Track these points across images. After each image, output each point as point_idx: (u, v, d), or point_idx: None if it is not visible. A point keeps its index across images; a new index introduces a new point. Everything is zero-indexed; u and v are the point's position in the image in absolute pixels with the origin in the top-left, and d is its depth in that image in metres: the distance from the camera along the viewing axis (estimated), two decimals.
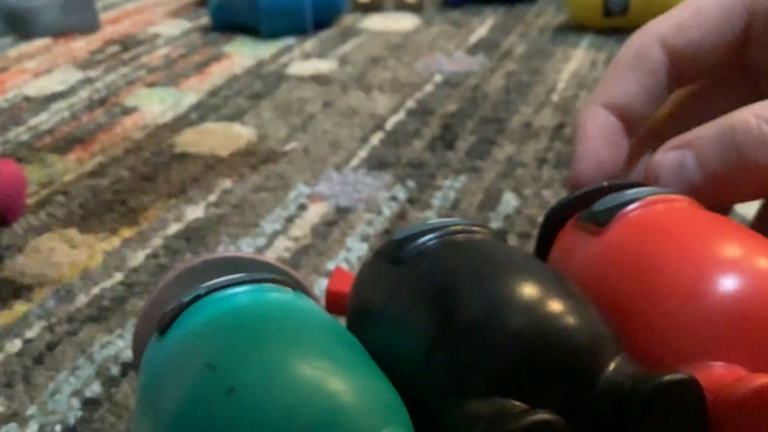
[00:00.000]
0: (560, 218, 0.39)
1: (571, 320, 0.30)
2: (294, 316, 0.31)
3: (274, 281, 0.33)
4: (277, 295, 0.32)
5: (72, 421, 0.39)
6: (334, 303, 0.41)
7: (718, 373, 0.29)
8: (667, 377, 0.27)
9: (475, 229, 0.36)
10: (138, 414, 0.29)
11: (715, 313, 0.30)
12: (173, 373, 0.28)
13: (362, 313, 0.35)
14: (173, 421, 0.26)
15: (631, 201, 0.35)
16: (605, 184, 0.38)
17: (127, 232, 0.57)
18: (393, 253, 0.35)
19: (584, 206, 0.38)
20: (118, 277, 0.51)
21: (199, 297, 0.31)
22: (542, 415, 0.26)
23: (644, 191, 0.36)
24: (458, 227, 0.36)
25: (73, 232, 0.57)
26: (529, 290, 0.30)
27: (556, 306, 0.30)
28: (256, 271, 0.35)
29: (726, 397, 0.27)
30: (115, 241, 0.56)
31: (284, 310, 0.31)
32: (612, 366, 0.29)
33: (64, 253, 0.54)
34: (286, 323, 0.30)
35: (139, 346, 0.35)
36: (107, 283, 0.51)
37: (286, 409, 0.25)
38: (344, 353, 0.29)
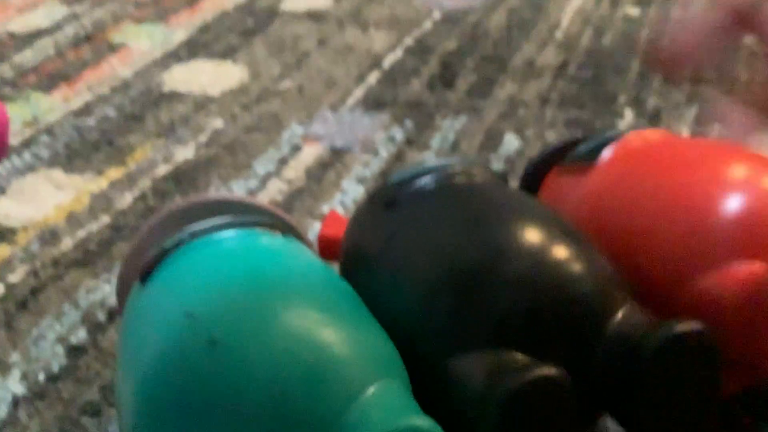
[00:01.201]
0: (541, 169, 0.38)
1: (576, 266, 0.28)
2: (283, 262, 0.29)
3: (263, 225, 0.31)
4: (267, 239, 0.31)
5: (56, 368, 0.38)
6: (327, 248, 0.39)
7: (745, 270, 0.28)
8: (680, 327, 0.26)
9: (474, 171, 0.34)
10: (118, 366, 0.28)
11: (729, 217, 0.29)
12: (152, 323, 0.26)
13: (356, 259, 0.33)
14: (150, 375, 0.24)
15: (614, 137, 0.35)
16: (581, 136, 0.38)
17: (114, 173, 0.55)
18: (388, 197, 0.33)
19: (563, 156, 0.37)
20: (105, 219, 0.50)
21: (181, 242, 0.30)
22: (547, 370, 0.24)
23: (620, 131, 0.36)
24: (457, 169, 0.34)
25: (58, 173, 0.55)
26: (532, 235, 0.29)
27: (561, 252, 0.28)
28: (245, 214, 0.34)
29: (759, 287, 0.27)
30: (102, 183, 0.54)
31: (273, 255, 0.29)
32: (620, 315, 0.28)
33: (49, 195, 0.52)
34: (274, 269, 0.28)
35: (122, 294, 0.34)
36: (94, 226, 0.49)
37: (271, 362, 0.24)
38: (336, 302, 0.27)
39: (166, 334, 0.25)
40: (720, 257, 0.29)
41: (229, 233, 0.30)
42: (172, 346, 0.25)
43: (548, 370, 0.24)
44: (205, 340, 0.24)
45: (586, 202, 0.33)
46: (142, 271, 0.29)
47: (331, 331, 0.25)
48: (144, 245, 0.33)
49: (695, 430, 0.27)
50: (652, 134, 0.35)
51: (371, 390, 0.24)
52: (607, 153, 0.34)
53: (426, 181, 0.33)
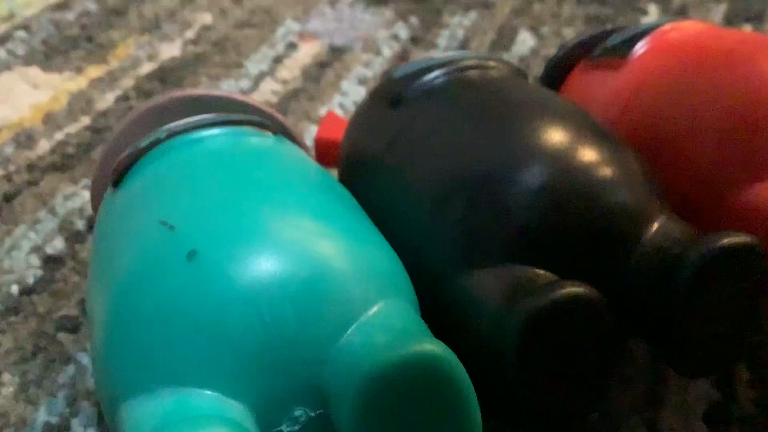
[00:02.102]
0: (564, 66, 0.34)
1: (607, 171, 0.25)
2: (274, 166, 0.25)
3: (252, 124, 0.28)
4: (256, 140, 0.27)
5: (31, 280, 0.35)
6: (324, 152, 0.36)
7: None
8: (726, 239, 0.22)
9: (490, 64, 0.30)
10: (90, 277, 0.25)
11: None
12: (125, 232, 0.23)
13: (357, 163, 0.30)
14: (122, 292, 0.21)
15: (649, 29, 0.31)
16: (608, 27, 0.34)
17: (94, 72, 0.51)
18: (393, 93, 0.30)
19: (588, 52, 0.33)
20: (85, 121, 0.46)
21: (158, 141, 0.26)
22: (574, 288, 0.21)
23: (656, 22, 0.32)
24: (470, 62, 0.30)
25: (35, 72, 0.51)
26: (557, 135, 0.25)
27: (589, 154, 0.25)
28: (231, 111, 0.30)
29: None
30: (82, 82, 0.50)
31: (263, 157, 0.26)
32: (655, 227, 0.24)
33: (25, 95, 0.49)
34: (263, 174, 0.24)
35: (96, 200, 0.30)
36: (72, 128, 0.46)
37: (259, 278, 0.20)
38: (334, 210, 0.24)
39: (139, 246, 0.22)
40: (766, 166, 0.26)
41: (212, 132, 0.26)
42: (146, 260, 0.22)
43: (576, 288, 0.21)
44: (184, 252, 0.21)
45: (617, 102, 0.30)
46: (114, 174, 0.26)
47: (327, 243, 0.22)
48: (118, 146, 0.29)
49: (736, 356, 0.24)
50: (692, 26, 0.31)
51: (374, 310, 0.21)
52: (641, 46, 0.31)
53: (435, 75, 0.29)
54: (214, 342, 0.20)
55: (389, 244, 0.24)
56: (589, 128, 0.26)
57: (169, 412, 0.19)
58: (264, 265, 0.21)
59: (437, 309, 0.23)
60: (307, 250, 0.21)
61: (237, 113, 0.29)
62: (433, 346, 0.19)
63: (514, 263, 0.23)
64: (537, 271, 0.23)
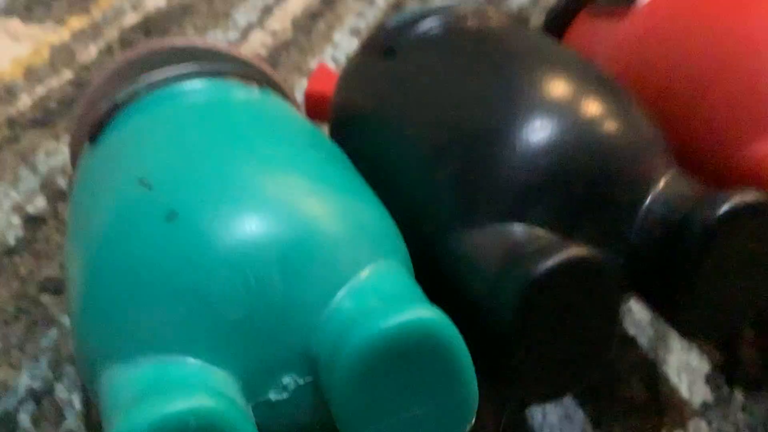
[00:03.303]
0: (567, 14, 0.32)
1: (612, 125, 0.23)
2: (260, 120, 0.24)
3: (237, 75, 0.26)
4: (241, 93, 0.26)
5: (12, 240, 0.34)
6: (315, 107, 0.35)
7: None
8: (738, 197, 0.21)
9: (488, 13, 0.29)
10: (67, 237, 0.24)
11: None
12: (102, 191, 0.22)
13: (348, 118, 0.29)
14: (99, 253, 0.20)
15: None
16: None
17: (77, 23, 0.49)
18: (386, 43, 0.28)
19: (591, 0, 0.32)
20: (67, 74, 0.45)
21: (137, 94, 0.25)
22: (578, 250, 0.20)
23: None
24: (467, 11, 0.28)
25: (15, 23, 0.50)
26: (559, 86, 0.24)
27: (594, 106, 0.24)
28: (215, 62, 0.28)
29: None
30: (64, 34, 0.48)
31: (248, 111, 0.25)
32: (662, 183, 0.23)
33: (4, 48, 0.47)
34: (248, 128, 0.23)
35: (75, 156, 0.29)
36: (54, 82, 0.44)
37: (243, 239, 0.19)
38: (323, 167, 0.22)
39: (117, 206, 0.21)
40: None
41: (194, 84, 0.25)
42: (123, 220, 0.20)
43: (580, 251, 0.20)
44: (163, 212, 0.20)
45: (623, 52, 0.28)
46: (91, 128, 0.25)
47: (315, 201, 0.21)
48: (97, 99, 0.28)
49: (743, 318, 0.23)
50: None
51: (365, 273, 0.20)
52: None
53: (431, 24, 0.28)
54: (196, 307, 0.19)
55: (382, 202, 0.23)
56: (593, 79, 0.25)
57: (150, 381, 0.18)
58: (248, 226, 0.19)
59: (432, 271, 0.22)
60: (294, 209, 0.20)
61: (221, 64, 0.28)
62: (428, 312, 0.18)
63: (514, 222, 0.22)
64: (537, 230, 0.22)
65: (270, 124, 0.24)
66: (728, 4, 0.27)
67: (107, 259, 0.20)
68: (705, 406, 0.27)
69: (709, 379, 0.28)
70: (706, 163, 0.25)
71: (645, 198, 0.23)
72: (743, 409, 0.27)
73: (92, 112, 0.27)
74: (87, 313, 0.20)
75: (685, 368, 0.28)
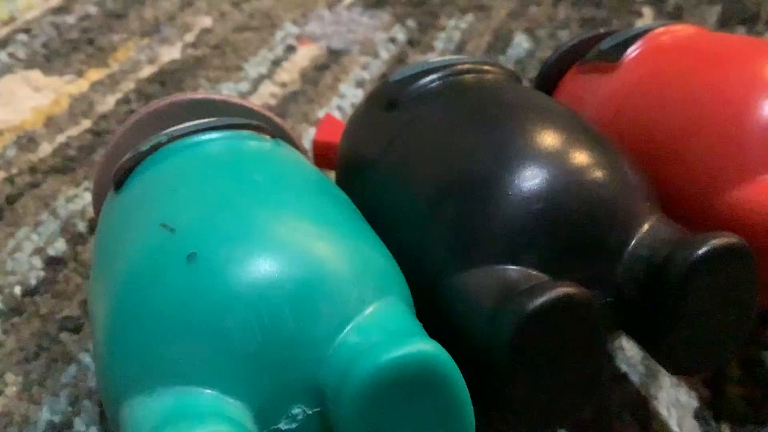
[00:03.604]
0: (558, 69, 0.34)
1: (599, 173, 0.25)
2: (273, 169, 0.26)
3: (251, 128, 0.28)
4: (255, 143, 0.27)
5: (33, 281, 0.36)
6: (322, 155, 0.36)
7: None
8: (715, 240, 0.23)
9: (485, 68, 0.31)
10: (92, 280, 0.25)
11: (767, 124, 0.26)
12: (126, 235, 0.24)
13: (353, 165, 0.31)
14: (123, 293, 0.22)
15: (641, 32, 0.32)
16: (601, 30, 0.34)
17: (95, 75, 0.51)
18: (389, 96, 0.30)
19: (582, 55, 0.34)
20: (86, 123, 0.47)
21: (159, 145, 0.26)
22: (568, 288, 0.22)
23: (648, 25, 0.32)
24: (465, 66, 0.30)
25: (36, 75, 0.51)
26: (550, 138, 0.26)
27: (582, 157, 0.25)
28: (230, 115, 0.30)
29: None
30: (83, 85, 0.50)
31: (261, 161, 0.26)
32: (645, 228, 0.25)
33: (26, 98, 0.49)
34: (262, 177, 0.25)
35: (98, 202, 0.31)
36: (73, 131, 0.46)
37: (257, 279, 0.21)
38: (331, 212, 0.24)
39: (140, 248, 0.23)
40: (756, 167, 0.26)
41: (212, 136, 0.27)
42: (146, 262, 0.22)
43: (568, 288, 0.22)
44: (184, 254, 0.22)
45: (609, 105, 0.30)
46: (116, 176, 0.27)
47: (324, 244, 0.22)
48: (119, 149, 0.30)
49: (725, 355, 0.25)
50: (683, 29, 0.32)
51: (370, 310, 0.22)
52: (633, 50, 0.31)
53: (431, 79, 0.30)
54: (213, 342, 0.20)
55: (385, 245, 0.25)
56: (581, 131, 0.26)
57: (169, 410, 0.20)
58: (262, 267, 0.21)
59: (432, 308, 0.24)
60: (303, 251, 0.22)
61: (236, 117, 0.30)
62: (427, 346, 0.20)
63: (508, 264, 0.24)
64: (530, 271, 0.24)
65: (281, 172, 0.26)
66: (706, 60, 0.29)
67: (131, 296, 0.22)
68: None
69: (697, 415, 0.29)
70: (689, 208, 0.27)
71: (630, 241, 0.24)
72: None
73: (116, 161, 0.29)
74: (111, 348, 0.22)
75: (675, 404, 0.29)
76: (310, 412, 0.21)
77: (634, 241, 0.25)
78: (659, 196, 0.26)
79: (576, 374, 0.23)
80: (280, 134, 0.30)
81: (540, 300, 0.21)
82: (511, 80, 0.31)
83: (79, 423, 0.29)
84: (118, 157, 0.29)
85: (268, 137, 0.28)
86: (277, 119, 0.31)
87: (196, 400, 0.20)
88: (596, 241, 0.24)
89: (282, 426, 0.21)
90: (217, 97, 0.31)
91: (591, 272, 0.24)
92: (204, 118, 0.29)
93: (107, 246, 0.25)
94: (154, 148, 0.26)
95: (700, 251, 0.23)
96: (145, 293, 0.21)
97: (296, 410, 0.21)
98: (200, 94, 0.31)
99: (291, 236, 0.22)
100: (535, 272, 0.24)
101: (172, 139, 0.27)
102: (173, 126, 0.28)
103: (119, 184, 0.26)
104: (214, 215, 0.23)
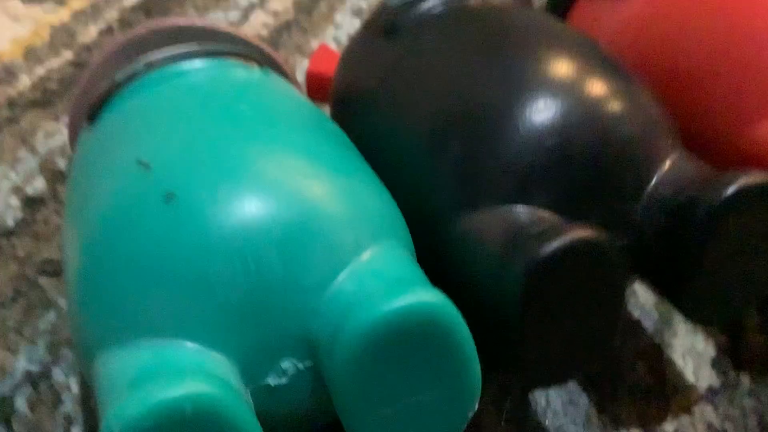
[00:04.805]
0: None
1: (616, 105, 0.23)
2: (260, 100, 0.24)
3: (237, 55, 0.26)
4: (241, 73, 0.25)
5: (10, 222, 0.34)
6: (316, 87, 0.34)
7: None
8: (745, 178, 0.21)
9: None
10: (64, 220, 0.23)
11: None
12: (101, 171, 0.22)
13: (349, 98, 0.28)
14: (97, 235, 0.20)
15: None
16: None
17: (77, 4, 0.49)
18: (388, 22, 0.28)
19: None
20: (67, 55, 0.44)
21: (137, 74, 0.24)
22: (583, 232, 0.20)
23: None
24: None
25: (15, 3, 0.49)
26: (563, 67, 0.24)
27: (598, 87, 0.23)
28: (216, 42, 0.28)
29: None
30: (64, 14, 0.48)
31: (248, 92, 0.24)
32: (667, 165, 0.23)
33: (4, 28, 0.47)
34: (248, 109, 0.23)
35: (73, 138, 0.29)
36: (54, 63, 0.44)
37: (242, 221, 0.19)
38: (324, 149, 0.22)
39: (115, 187, 0.21)
40: None
41: (194, 64, 0.25)
42: (121, 202, 0.20)
43: (584, 232, 0.20)
44: (161, 193, 0.20)
45: (627, 31, 0.28)
46: (89, 109, 0.24)
47: (316, 183, 0.20)
48: (96, 79, 0.27)
49: (748, 301, 0.23)
50: None
51: (366, 255, 0.20)
52: None
53: (433, 3, 0.27)
54: (194, 290, 0.19)
55: (383, 184, 0.22)
56: (597, 59, 0.24)
57: (147, 365, 0.18)
58: (247, 208, 0.19)
59: (435, 254, 0.22)
60: (293, 191, 0.20)
61: (221, 44, 0.27)
62: (429, 295, 0.18)
63: (518, 204, 0.22)
64: (541, 212, 0.22)
65: (270, 104, 0.24)
66: None
67: (105, 240, 0.20)
68: (711, 390, 0.27)
69: (715, 364, 0.27)
70: (712, 143, 0.25)
71: (650, 179, 0.23)
72: (750, 393, 0.27)
73: (91, 92, 0.27)
74: (84, 295, 0.20)
75: (691, 352, 0.28)
76: (301, 367, 0.19)
77: (654, 180, 0.23)
78: (681, 130, 0.24)
79: (591, 324, 0.21)
80: (270, 64, 0.28)
81: (553, 245, 0.19)
82: (521, 3, 0.28)
83: (58, 372, 0.27)
84: (94, 88, 0.27)
85: (256, 66, 0.26)
86: (268, 49, 0.29)
87: (175, 354, 0.18)
88: (614, 180, 0.22)
89: (270, 381, 0.19)
90: (203, 23, 0.29)
91: (608, 213, 0.22)
92: (186, 45, 0.27)
93: (80, 184, 0.23)
94: (131, 78, 0.24)
95: (729, 191, 0.21)
96: (119, 236, 0.19)
97: (286, 364, 0.19)
98: (185, 21, 0.29)
99: (280, 174, 0.20)
100: (547, 214, 0.22)
101: (151, 67, 0.24)
102: (151, 52, 0.25)
103: (93, 116, 0.24)
104: (194, 151, 0.20)
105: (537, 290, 0.20)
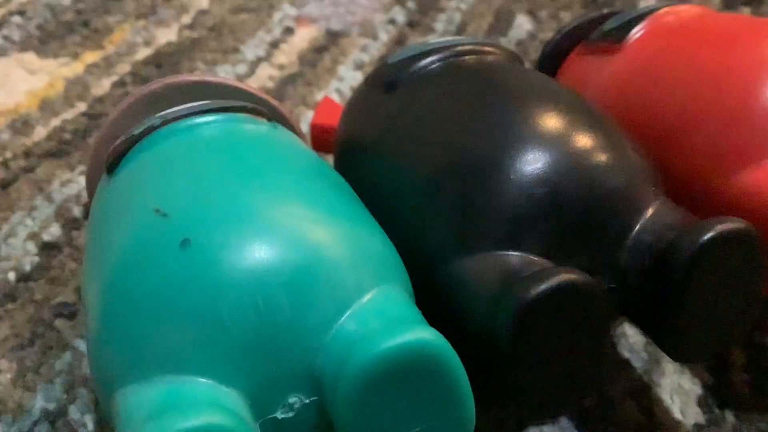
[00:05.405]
0: (560, 49, 0.34)
1: (602, 157, 0.24)
2: (268, 152, 0.25)
3: (247, 110, 0.28)
4: (251, 126, 0.27)
5: (27, 267, 0.35)
6: (320, 138, 0.36)
7: None
8: (722, 225, 0.22)
9: (486, 49, 0.30)
10: (84, 265, 0.25)
11: None
12: (119, 220, 0.23)
13: (351, 149, 0.30)
14: (116, 277, 0.21)
15: (645, 13, 0.31)
16: (605, 11, 0.34)
17: (90, 57, 0.50)
18: (388, 78, 0.30)
19: (585, 36, 0.33)
20: (81, 107, 0.46)
21: (153, 128, 0.26)
22: (570, 274, 0.21)
23: (652, 6, 0.32)
24: (466, 47, 0.30)
25: (31, 57, 0.51)
26: (552, 121, 0.25)
27: (585, 139, 0.25)
28: (227, 98, 0.30)
29: None
30: (78, 67, 0.49)
31: (257, 144, 0.26)
32: (650, 213, 0.24)
33: (21, 80, 0.48)
34: (257, 160, 0.24)
35: (91, 187, 0.30)
36: (68, 114, 0.45)
37: (252, 265, 0.20)
38: (328, 197, 0.24)
39: (132, 233, 0.22)
40: (762, 151, 0.26)
41: (206, 118, 0.26)
42: (139, 248, 0.22)
43: (571, 275, 0.21)
44: (177, 239, 0.21)
45: (613, 87, 0.30)
46: (108, 160, 0.26)
47: (321, 229, 0.22)
48: (113, 132, 0.29)
49: (730, 340, 0.24)
50: (688, 10, 0.31)
51: (368, 296, 0.21)
52: (637, 30, 0.30)
53: (431, 60, 0.29)
54: (208, 329, 0.20)
55: (384, 230, 0.24)
56: (584, 113, 0.26)
57: (163, 399, 0.19)
58: (257, 252, 0.21)
59: (431, 295, 0.23)
60: (300, 236, 0.21)
61: (232, 99, 0.29)
62: (426, 333, 0.19)
63: (509, 250, 0.23)
64: (532, 257, 0.23)
65: (278, 155, 0.25)
66: (711, 41, 0.28)
67: (124, 282, 0.21)
68: (697, 427, 0.28)
69: (701, 401, 0.29)
70: (693, 192, 0.26)
71: (634, 226, 0.24)
72: (734, 430, 0.28)
73: (110, 145, 0.28)
74: (104, 335, 0.21)
75: (678, 391, 0.29)
76: (307, 401, 0.21)
77: (638, 226, 0.24)
78: (663, 179, 0.26)
79: (578, 362, 0.22)
80: (277, 117, 0.30)
81: (542, 287, 0.21)
82: (513, 61, 0.30)
83: (74, 410, 0.29)
84: (111, 140, 0.29)
85: (264, 120, 0.28)
86: (275, 102, 0.31)
87: (190, 389, 0.20)
88: (599, 227, 0.24)
89: (278, 415, 0.20)
90: (213, 79, 0.31)
91: (594, 258, 0.24)
92: (200, 100, 0.28)
93: (100, 231, 0.24)
94: (148, 131, 0.26)
95: (706, 236, 0.22)
96: (137, 279, 0.21)
97: (293, 399, 0.20)
98: (196, 76, 0.31)
99: (287, 221, 0.22)
100: (537, 258, 0.23)
101: (166, 122, 0.26)
102: (168, 108, 0.27)
103: (112, 167, 0.26)
104: (208, 200, 0.22)
105: (527, 328, 0.21)
